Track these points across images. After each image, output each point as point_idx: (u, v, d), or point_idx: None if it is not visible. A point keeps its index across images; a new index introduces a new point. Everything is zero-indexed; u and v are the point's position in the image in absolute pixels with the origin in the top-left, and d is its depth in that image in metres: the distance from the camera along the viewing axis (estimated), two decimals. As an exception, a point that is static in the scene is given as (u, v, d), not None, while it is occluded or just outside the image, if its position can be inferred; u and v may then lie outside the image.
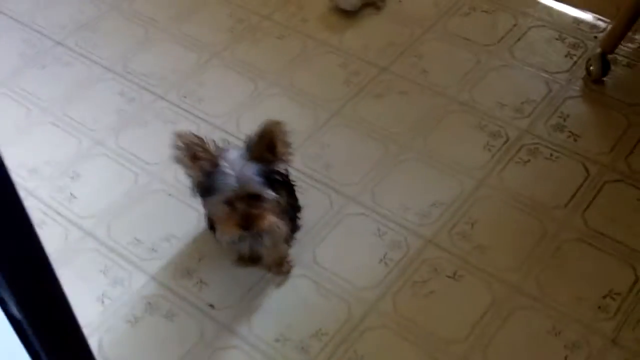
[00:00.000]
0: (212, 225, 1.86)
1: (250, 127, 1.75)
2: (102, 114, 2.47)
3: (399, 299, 1.91)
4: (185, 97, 2.50)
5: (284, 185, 1.79)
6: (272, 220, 1.68)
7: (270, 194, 1.67)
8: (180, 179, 2.20)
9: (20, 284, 0.86)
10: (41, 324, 0.90)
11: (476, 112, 2.37)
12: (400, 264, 1.99)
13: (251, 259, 2.00)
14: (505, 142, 2.27)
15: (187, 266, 2.02)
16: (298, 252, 2.03)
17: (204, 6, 2.86)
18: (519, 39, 2.61)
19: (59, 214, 2.18)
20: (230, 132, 2.33)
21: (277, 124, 1.66)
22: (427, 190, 2.16)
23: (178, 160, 1.68)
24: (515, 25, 2.67)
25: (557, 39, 2.59)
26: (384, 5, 2.80)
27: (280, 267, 1.98)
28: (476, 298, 1.90)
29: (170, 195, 2.20)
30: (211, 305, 1.94)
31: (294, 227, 1.95)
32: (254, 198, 1.66)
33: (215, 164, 1.66)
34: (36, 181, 2.26)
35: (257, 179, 1.65)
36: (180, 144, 1.65)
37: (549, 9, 2.71)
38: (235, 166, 1.65)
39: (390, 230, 2.06)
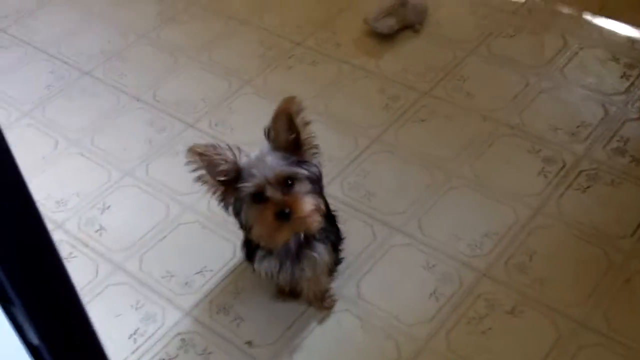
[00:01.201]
0: (249, 254, 1.72)
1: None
2: (131, 144, 2.36)
3: (453, 336, 1.76)
4: (216, 125, 2.38)
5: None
6: (309, 205, 1.49)
7: (301, 171, 1.50)
8: (214, 209, 2.07)
9: (49, 322, 0.75)
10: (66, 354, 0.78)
11: (528, 136, 2.23)
12: (453, 298, 1.83)
13: (291, 293, 1.86)
14: (562, 167, 2.12)
15: (223, 301, 1.88)
16: (340, 286, 1.89)
17: (234, 33, 2.76)
18: (569, 60, 2.48)
19: (88, 247, 2.05)
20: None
21: (290, 99, 1.50)
22: (479, 219, 2.01)
23: (199, 178, 1.52)
24: (564, 45, 2.54)
25: (610, 60, 2.45)
26: (422, 27, 2.68)
27: (322, 302, 1.84)
28: (539, 335, 1.74)
29: (203, 227, 2.07)
30: (249, 343, 1.80)
31: (336, 258, 1.81)
32: (287, 185, 1.49)
33: (237, 168, 1.51)
34: (64, 213, 2.15)
35: (284, 162, 1.49)
36: (194, 158, 1.49)
37: (599, 29, 2.58)
38: (259, 157, 1.51)
39: (440, 263, 1.91)
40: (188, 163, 1.50)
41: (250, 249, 1.70)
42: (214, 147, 1.50)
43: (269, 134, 1.52)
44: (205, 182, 1.52)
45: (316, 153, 1.55)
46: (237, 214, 1.57)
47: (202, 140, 2.32)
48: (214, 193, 1.55)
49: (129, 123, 2.45)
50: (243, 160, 1.51)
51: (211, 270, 1.96)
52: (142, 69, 2.65)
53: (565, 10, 2.69)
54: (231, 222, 1.99)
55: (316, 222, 1.53)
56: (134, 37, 2.80)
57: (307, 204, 1.50)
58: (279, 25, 2.76)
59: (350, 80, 2.50)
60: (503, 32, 2.63)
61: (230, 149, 1.51)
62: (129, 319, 1.88)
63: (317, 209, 1.53)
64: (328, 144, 1.92)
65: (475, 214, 2.03)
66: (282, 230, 1.51)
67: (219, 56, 2.66)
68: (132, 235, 2.08)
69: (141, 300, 1.91)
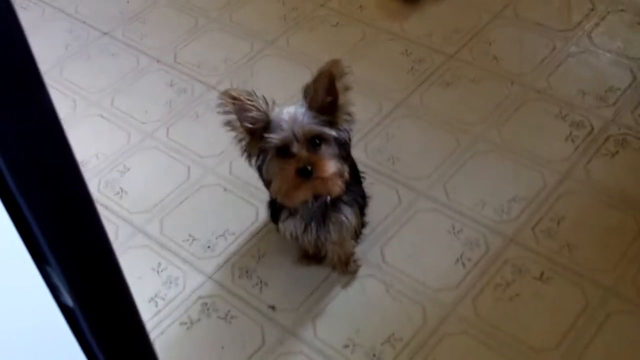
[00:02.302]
0: (274, 213, 1.69)
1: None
2: (151, 106, 2.33)
3: (480, 302, 1.73)
4: (238, 87, 2.34)
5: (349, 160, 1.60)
6: (332, 167, 1.46)
7: (331, 132, 1.46)
8: (235, 172, 2.05)
9: (85, 283, 0.72)
10: (100, 317, 0.75)
11: (555, 100, 2.18)
12: (480, 264, 1.81)
13: (315, 257, 1.83)
14: (590, 132, 2.08)
15: (245, 265, 1.86)
16: (365, 250, 1.86)
17: (256, -6, 2.71)
18: (597, 24, 2.42)
19: (108, 209, 2.03)
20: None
21: (336, 61, 1.45)
22: (505, 184, 1.97)
23: (227, 123, 1.48)
24: (592, 9, 2.48)
25: (639, 24, 2.39)
26: (448, -10, 2.62)
27: (347, 266, 1.81)
28: (567, 302, 1.71)
29: (225, 189, 2.04)
30: (272, 307, 1.78)
31: (361, 221, 1.78)
32: (313, 144, 1.46)
33: (267, 119, 1.48)
34: (84, 175, 2.11)
35: (316, 121, 1.46)
36: (227, 100, 1.45)
37: (628, -8, 2.52)
38: (291, 112, 1.47)
39: (466, 228, 1.88)
40: (220, 105, 1.46)
41: (275, 208, 1.67)
42: (248, 93, 1.47)
43: (307, 92, 1.48)
44: (233, 128, 1.49)
45: (350, 120, 1.52)
46: (259, 167, 1.54)
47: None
48: (240, 141, 1.51)
49: (149, 85, 2.41)
50: (275, 112, 1.48)
51: (233, 234, 1.93)
52: (162, 31, 2.61)
53: (594, -28, 2.63)
54: (253, 185, 1.98)
55: (337, 186, 1.50)
56: (153, -3, 2.76)
57: (331, 166, 1.47)
58: (301, -14, 2.71)
59: (374, 42, 2.45)
60: (530, -6, 2.57)
61: (264, 99, 1.48)
62: (149, 282, 1.86)
63: (340, 174, 1.49)
64: (352, 107, 1.89)
65: (502, 179, 1.99)
66: (301, 187, 1.48)
67: (241, 17, 2.62)
68: (153, 198, 2.05)
69: (162, 264, 1.89)
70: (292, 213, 1.62)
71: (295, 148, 1.45)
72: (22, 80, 0.60)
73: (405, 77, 2.31)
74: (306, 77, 2.29)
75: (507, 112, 2.16)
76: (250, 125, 1.48)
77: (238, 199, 2.01)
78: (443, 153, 2.07)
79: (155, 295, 1.82)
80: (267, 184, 1.55)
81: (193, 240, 1.93)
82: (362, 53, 2.42)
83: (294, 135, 1.44)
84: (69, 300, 0.73)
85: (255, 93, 1.47)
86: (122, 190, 2.08)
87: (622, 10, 2.46)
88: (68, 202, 0.68)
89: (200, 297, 1.81)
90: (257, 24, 2.58)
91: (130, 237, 1.96)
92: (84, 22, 2.69)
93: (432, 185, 1.99)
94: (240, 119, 1.48)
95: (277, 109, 1.49)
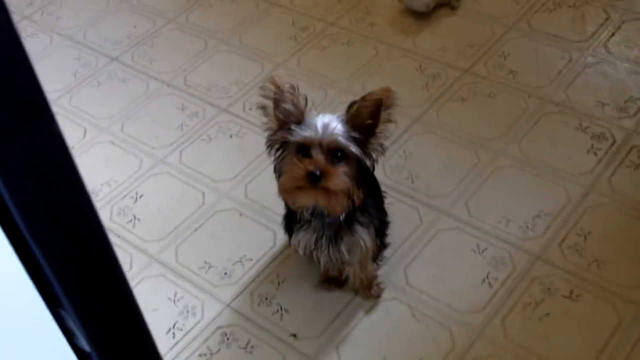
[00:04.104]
0: (288, 225, 1.65)
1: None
2: (163, 131, 2.29)
3: (509, 323, 1.67)
4: (250, 109, 2.30)
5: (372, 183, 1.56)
6: (342, 184, 1.43)
7: (357, 151, 1.43)
8: (251, 196, 2.01)
9: (103, 327, 0.68)
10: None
11: (575, 113, 2.13)
12: (507, 283, 1.75)
13: (336, 281, 1.78)
14: (612, 144, 2.02)
15: (265, 291, 1.81)
16: (387, 273, 1.81)
17: (264, 15, 2.68)
18: (613, 34, 2.38)
19: (121, 238, 1.99)
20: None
21: (390, 91, 1.43)
22: (529, 200, 1.92)
23: (262, 106, 1.47)
24: (607, 18, 2.43)
25: (656, 32, 2.35)
26: (459, 4, 2.59)
27: (369, 290, 1.76)
28: (599, 320, 1.65)
29: (241, 214, 2.00)
30: (294, 335, 1.72)
31: (381, 244, 1.73)
32: (334, 156, 1.43)
33: (301, 117, 1.45)
34: (96, 204, 2.07)
35: (345, 135, 1.43)
36: (270, 87, 1.44)
37: (643, 0, 2.48)
38: (325, 118, 1.44)
39: (491, 246, 1.83)
40: (262, 89, 1.46)
41: (290, 221, 1.63)
42: (292, 86, 1.45)
43: (351, 108, 1.44)
44: (265, 114, 1.48)
45: (380, 151, 1.48)
46: (277, 158, 1.51)
47: (235, 124, 2.25)
48: (268, 129, 1.49)
49: (159, 109, 2.37)
50: (310, 114, 1.45)
51: (251, 260, 1.88)
52: (171, 54, 2.58)
53: (607, -19, 2.59)
54: (270, 208, 1.94)
55: (340, 205, 1.47)
56: (161, 21, 2.73)
57: (342, 181, 1.43)
58: (311, 6, 2.67)
59: (387, 59, 2.41)
60: (542, 6, 2.53)
61: (305, 99, 1.46)
62: (166, 313, 1.81)
63: (348, 194, 1.46)
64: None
65: (525, 195, 1.94)
66: (305, 191, 1.45)
67: (250, 39, 2.58)
68: (167, 225, 2.01)
69: (179, 293, 1.84)
70: (304, 225, 1.58)
71: (315, 152, 1.42)
72: (31, 112, 0.55)
73: (421, 93, 2.26)
74: (319, 97, 2.27)
75: (526, 126, 2.11)
76: (282, 117, 1.46)
77: (254, 223, 1.96)
78: (463, 170, 2.02)
79: (173, 326, 1.77)
80: (278, 176, 1.52)
81: (209, 267, 1.88)
82: (375, 70, 2.38)
83: (320, 139, 1.41)
84: (85, 345, 0.68)
85: (298, 89, 1.45)
86: (135, 218, 2.04)
87: (636, 18, 2.41)
88: (81, 241, 0.63)
89: (219, 327, 1.75)
90: (268, 45, 2.55)
91: (145, 266, 1.91)
92: (92, 48, 2.65)
93: (454, 203, 1.94)
94: (276, 108, 1.46)
95: (314, 112, 1.45)
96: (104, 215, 2.04)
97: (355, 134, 1.43)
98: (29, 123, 0.57)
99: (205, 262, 1.90)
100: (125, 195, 2.10)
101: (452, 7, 2.58)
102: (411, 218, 1.92)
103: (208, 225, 1.99)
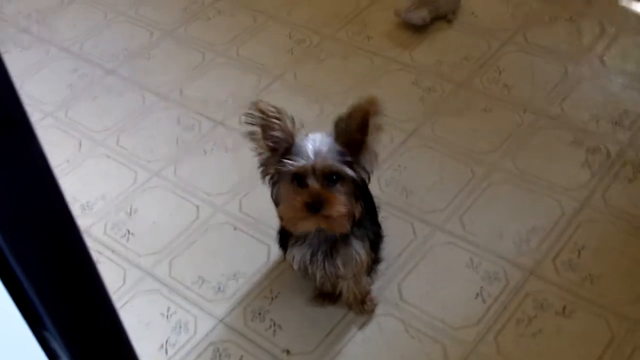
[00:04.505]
0: (282, 240, 1.64)
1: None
2: (158, 144, 2.29)
3: (502, 339, 1.67)
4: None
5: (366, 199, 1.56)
6: (342, 208, 1.43)
7: (350, 173, 1.43)
8: (245, 210, 2.01)
9: (88, 350, 0.67)
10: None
11: (569, 127, 2.13)
12: (500, 298, 1.75)
13: (329, 296, 1.78)
14: (607, 158, 2.02)
15: (258, 307, 1.80)
16: (381, 288, 1.80)
17: (261, 28, 2.68)
18: (608, 47, 2.38)
19: (115, 252, 1.98)
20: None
21: (373, 99, 1.41)
22: (523, 214, 1.92)
23: (250, 134, 1.45)
24: (602, 32, 2.44)
25: (651, 45, 2.35)
26: (455, 18, 2.59)
27: (363, 305, 1.76)
28: (592, 336, 1.65)
29: (235, 228, 1.99)
30: (287, 351, 1.72)
31: (375, 258, 1.73)
32: (330, 180, 1.43)
33: (291, 140, 1.44)
34: (90, 218, 2.08)
35: (338, 157, 1.42)
36: (255, 112, 1.42)
37: (637, 15, 2.47)
38: (316, 141, 1.43)
39: (485, 261, 1.83)
40: (247, 115, 1.43)
41: (285, 236, 1.63)
42: (278, 110, 1.43)
43: (338, 124, 1.44)
44: (254, 140, 1.46)
45: (373, 160, 1.47)
46: (273, 184, 1.50)
47: (231, 138, 2.25)
48: (259, 155, 1.48)
49: (155, 122, 2.38)
50: (300, 137, 1.44)
51: (245, 275, 1.88)
52: (167, 67, 2.58)
53: (601, -5, 2.60)
54: (264, 223, 1.93)
55: (342, 226, 1.47)
56: (159, 34, 2.73)
57: (341, 206, 1.43)
58: (308, 20, 2.68)
59: (384, 72, 2.42)
60: (539, 20, 2.53)
61: (292, 121, 1.44)
62: (159, 328, 1.80)
63: (349, 214, 1.46)
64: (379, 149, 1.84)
65: (519, 209, 1.94)
66: (306, 219, 1.45)
67: (247, 52, 2.59)
68: (161, 239, 2.01)
69: (172, 308, 1.84)
70: (299, 240, 1.58)
71: (310, 180, 1.42)
72: (7, 124, 0.55)
73: (416, 107, 2.27)
74: (314, 111, 2.27)
75: (521, 140, 2.11)
76: (272, 144, 1.45)
77: (249, 238, 1.96)
78: (457, 184, 2.02)
79: (166, 342, 1.77)
80: (276, 204, 1.52)
81: (203, 282, 1.88)
82: (371, 84, 2.38)
83: (313, 167, 1.41)
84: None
85: (285, 112, 1.44)
86: (129, 232, 2.03)
87: (632, 32, 2.42)
88: (63, 259, 0.63)
89: (211, 343, 1.75)
90: (264, 58, 2.55)
91: (138, 281, 1.90)
92: (89, 60, 2.66)
93: (448, 218, 1.94)
94: (264, 136, 1.45)
95: (302, 133, 1.45)
96: (98, 229, 2.05)
97: (346, 152, 1.43)
98: (5, 135, 0.57)
99: (199, 276, 1.89)
100: (120, 209, 2.10)
101: (448, 20, 2.58)
102: (405, 233, 1.92)
103: (202, 239, 1.99)
